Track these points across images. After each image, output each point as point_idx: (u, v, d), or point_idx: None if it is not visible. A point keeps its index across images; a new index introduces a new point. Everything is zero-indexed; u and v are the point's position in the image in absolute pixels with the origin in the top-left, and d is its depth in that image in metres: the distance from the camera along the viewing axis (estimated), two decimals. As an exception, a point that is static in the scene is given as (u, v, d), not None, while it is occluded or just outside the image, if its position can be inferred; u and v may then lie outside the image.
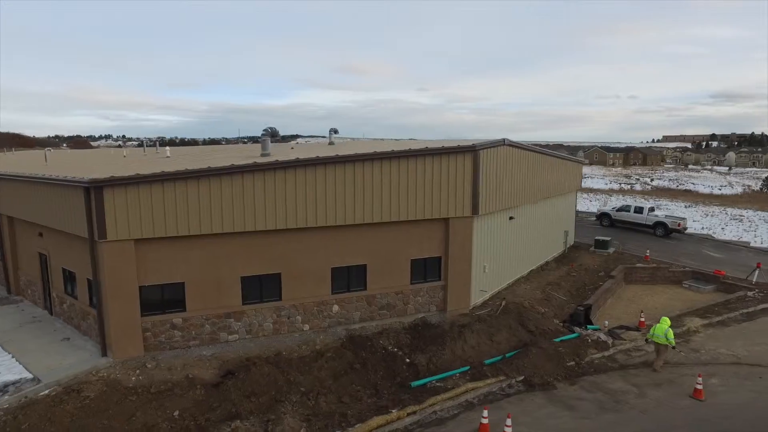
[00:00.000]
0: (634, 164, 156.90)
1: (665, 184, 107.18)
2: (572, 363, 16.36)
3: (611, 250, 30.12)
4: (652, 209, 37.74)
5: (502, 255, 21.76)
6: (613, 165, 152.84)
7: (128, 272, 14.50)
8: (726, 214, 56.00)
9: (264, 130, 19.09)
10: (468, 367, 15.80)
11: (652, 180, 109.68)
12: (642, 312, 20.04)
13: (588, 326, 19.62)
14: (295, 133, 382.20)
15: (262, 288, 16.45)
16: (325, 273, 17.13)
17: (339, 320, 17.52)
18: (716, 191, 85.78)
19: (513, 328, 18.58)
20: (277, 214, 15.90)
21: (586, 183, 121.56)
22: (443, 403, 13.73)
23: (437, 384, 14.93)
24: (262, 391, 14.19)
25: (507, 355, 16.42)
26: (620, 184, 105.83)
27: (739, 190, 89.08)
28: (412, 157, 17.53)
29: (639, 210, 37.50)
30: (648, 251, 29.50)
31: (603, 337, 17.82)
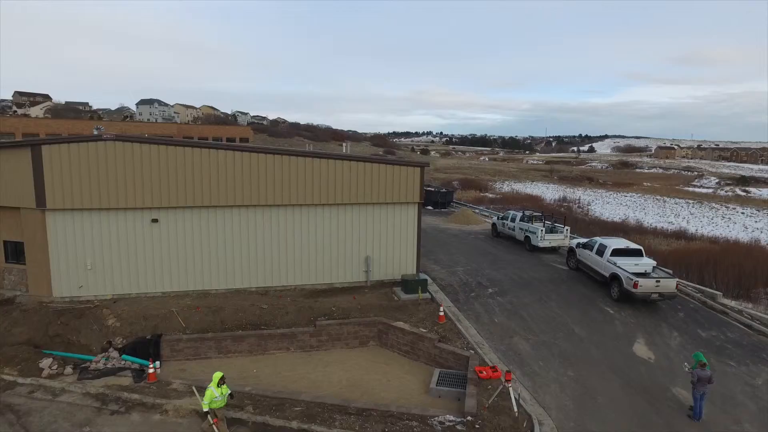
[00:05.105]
0: None
1: None
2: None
3: (418, 296, 21.21)
4: (622, 252, 22.37)
5: (140, 258, 20.36)
6: None
7: None
8: None
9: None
10: None
11: None
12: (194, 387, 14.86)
13: (127, 356, 17.12)
14: (604, 134, 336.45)
15: None
16: None
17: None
18: None
19: (31, 326, 18.56)
20: None
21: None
22: None
23: None
24: None
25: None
26: None
27: None
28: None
29: (600, 251, 23.14)
30: (443, 310, 19.54)
31: (42, 364, 16.16)
